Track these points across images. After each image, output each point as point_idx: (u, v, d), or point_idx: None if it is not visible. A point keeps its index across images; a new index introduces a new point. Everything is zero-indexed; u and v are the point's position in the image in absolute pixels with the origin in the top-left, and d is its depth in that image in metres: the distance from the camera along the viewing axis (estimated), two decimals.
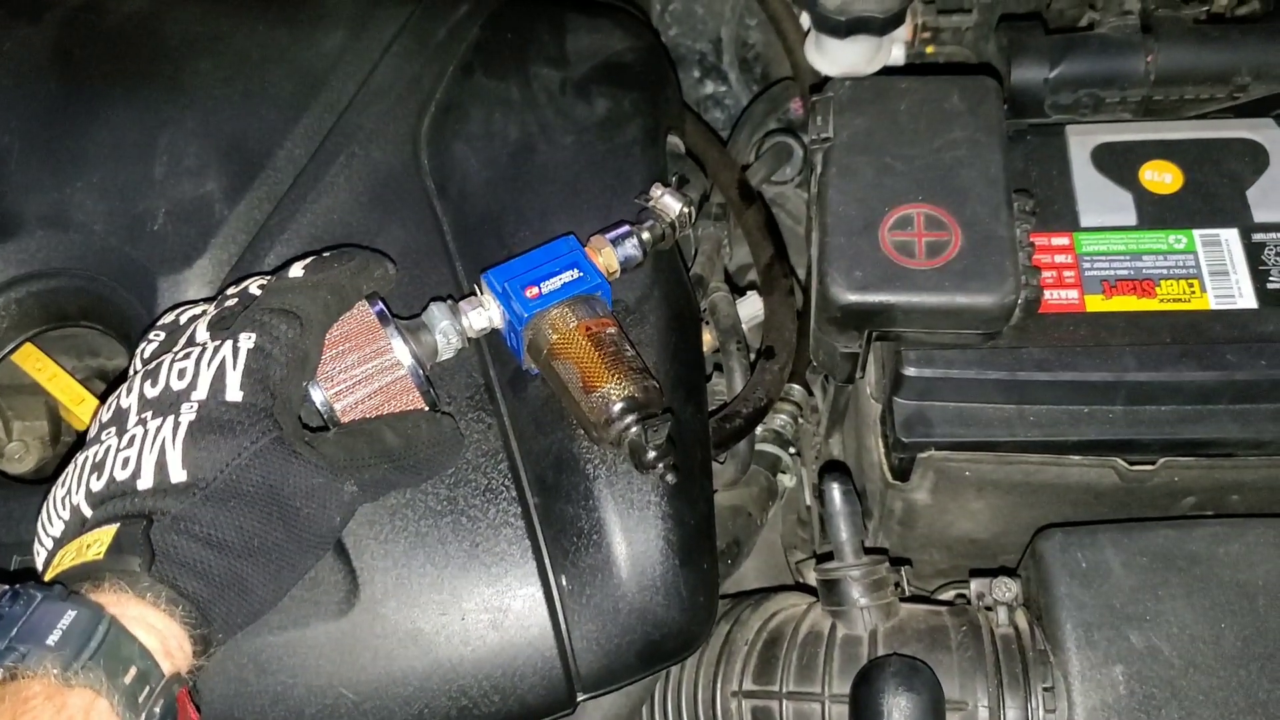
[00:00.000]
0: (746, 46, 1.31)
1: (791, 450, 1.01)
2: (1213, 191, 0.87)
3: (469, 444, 0.75)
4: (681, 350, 0.81)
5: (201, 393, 0.64)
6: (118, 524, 0.60)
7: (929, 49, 1.11)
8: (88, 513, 0.62)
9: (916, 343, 0.81)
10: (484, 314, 0.75)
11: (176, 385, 0.65)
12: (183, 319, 0.72)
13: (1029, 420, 0.82)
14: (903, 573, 0.85)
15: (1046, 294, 0.83)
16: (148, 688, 0.56)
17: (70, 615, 0.55)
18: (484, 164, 0.85)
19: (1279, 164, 0.87)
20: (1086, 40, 0.96)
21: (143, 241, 0.82)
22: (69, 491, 0.64)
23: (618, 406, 0.71)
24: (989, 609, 0.79)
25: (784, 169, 1.16)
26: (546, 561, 0.74)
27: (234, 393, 0.64)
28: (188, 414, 0.63)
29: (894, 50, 1.06)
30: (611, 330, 0.74)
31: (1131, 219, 0.86)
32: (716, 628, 0.85)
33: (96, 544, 0.60)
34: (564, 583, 0.74)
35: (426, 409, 0.72)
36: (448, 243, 0.82)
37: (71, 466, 0.65)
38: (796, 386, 1.02)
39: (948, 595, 0.88)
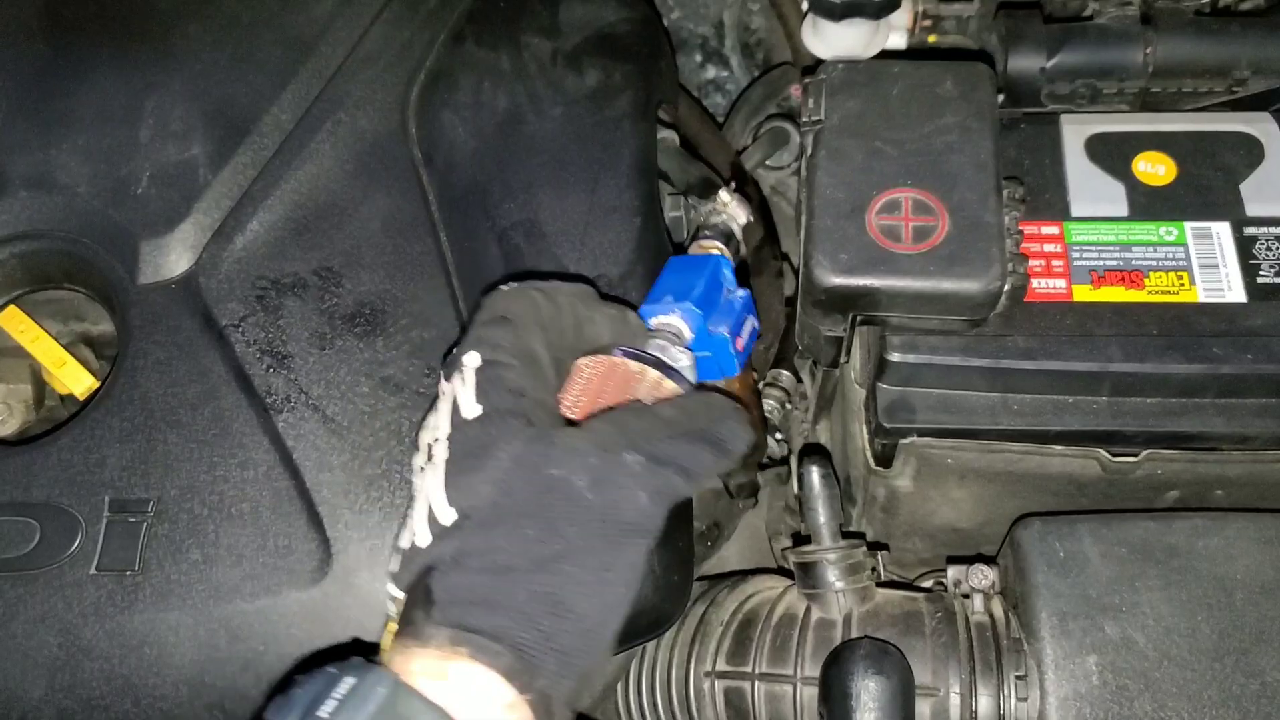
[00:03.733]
0: (748, 31, 1.30)
1: (779, 436, 1.01)
2: (1206, 184, 0.86)
3: None
4: None
5: (445, 428, 0.58)
6: (400, 594, 0.56)
7: (931, 38, 1.10)
8: (397, 594, 0.57)
9: (901, 328, 0.81)
10: (678, 343, 0.68)
11: (427, 439, 0.60)
12: None
13: (1012, 409, 0.81)
14: (879, 557, 0.85)
15: (1034, 282, 0.82)
16: None
17: (348, 683, 0.50)
18: (471, 134, 0.85)
19: (1274, 158, 0.86)
20: (1085, 30, 0.95)
21: (126, 205, 0.82)
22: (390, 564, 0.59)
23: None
24: (965, 596, 0.78)
25: (782, 154, 1.15)
26: None
27: (472, 409, 0.58)
28: (440, 455, 0.57)
29: (894, 38, 1.05)
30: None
31: (1123, 210, 0.85)
32: (693, 608, 0.85)
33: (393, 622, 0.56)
34: None
35: None
36: (432, 213, 0.81)
37: None
38: (785, 373, 1.01)
39: (928, 584, 0.88)
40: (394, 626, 0.56)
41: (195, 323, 0.78)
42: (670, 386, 0.64)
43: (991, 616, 0.77)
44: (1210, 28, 0.94)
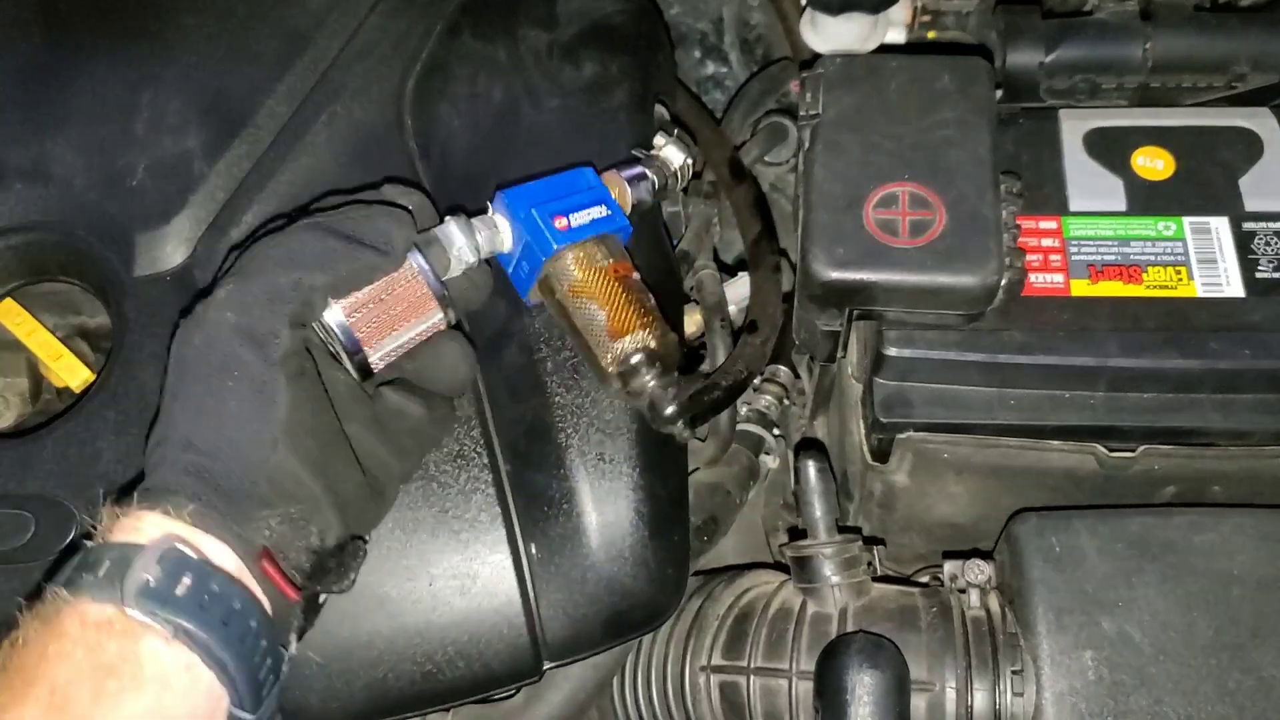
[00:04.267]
0: (748, 27, 1.30)
1: (776, 432, 1.00)
2: (1205, 179, 0.86)
3: None
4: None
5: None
6: None
7: (930, 33, 1.10)
8: None
9: (898, 322, 0.80)
10: (497, 235, 0.71)
11: None
12: None
13: (1009, 404, 0.81)
14: (875, 552, 0.85)
15: (1031, 277, 0.82)
16: (135, 564, 0.54)
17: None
18: (467, 126, 0.84)
19: (1273, 153, 0.86)
20: (1084, 25, 0.95)
21: (121, 197, 0.81)
22: None
23: (638, 357, 0.70)
24: (961, 591, 0.78)
25: (780, 150, 1.15)
26: (516, 529, 0.73)
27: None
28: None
29: (893, 34, 1.05)
30: (636, 276, 0.73)
31: (1121, 205, 0.85)
32: (689, 603, 0.85)
33: None
34: (533, 551, 0.73)
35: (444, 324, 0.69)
36: None
37: None
38: (783, 368, 1.01)
39: (925, 579, 0.88)
40: None
41: None
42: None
43: (988, 611, 0.76)
44: (1209, 23, 0.94)
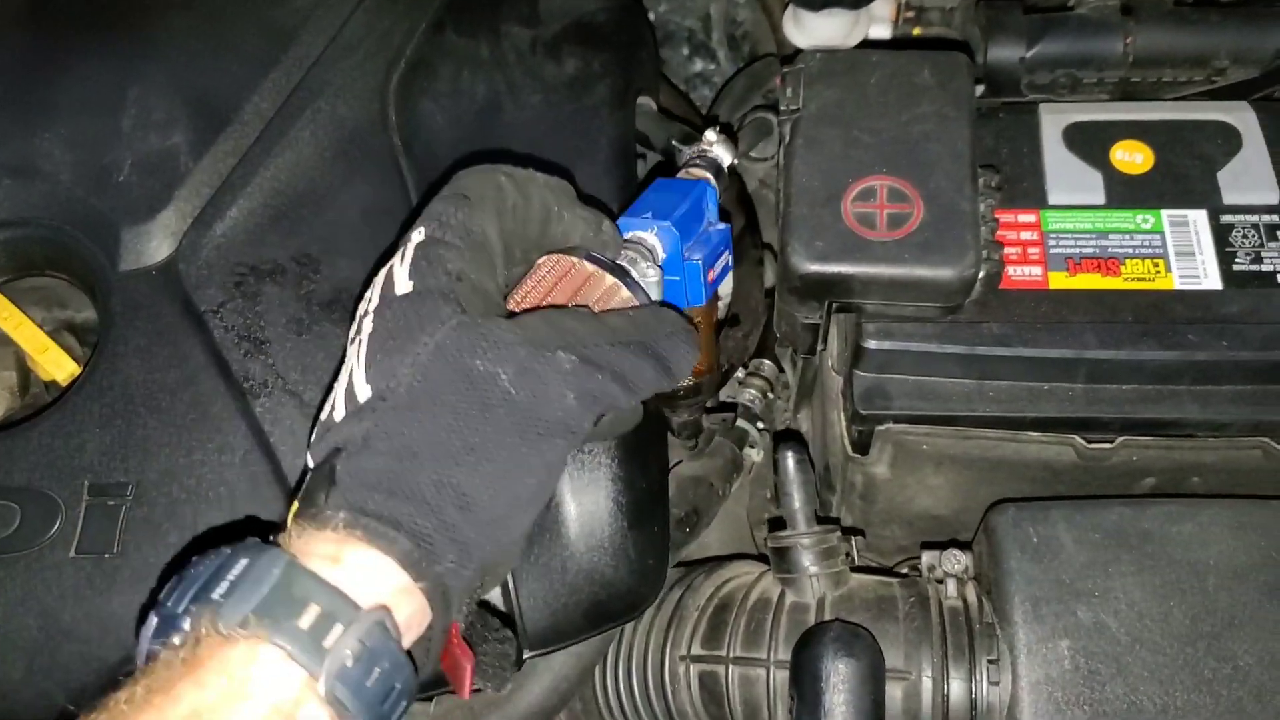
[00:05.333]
0: (735, 24, 1.31)
1: (761, 426, 1.01)
2: (1183, 173, 0.86)
3: None
4: None
5: (375, 301, 0.56)
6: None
7: (915, 30, 1.11)
8: (310, 463, 0.56)
9: (877, 315, 0.81)
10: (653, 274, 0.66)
11: (360, 310, 0.58)
12: None
13: (988, 395, 0.81)
14: (853, 542, 0.85)
15: (1010, 270, 0.82)
16: (337, 625, 0.48)
17: (241, 564, 0.49)
18: (450, 122, 0.85)
19: (1251, 146, 0.87)
20: (1064, 20, 0.96)
21: (107, 192, 0.82)
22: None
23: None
24: (939, 581, 0.79)
25: (765, 145, 1.15)
26: None
27: (403, 285, 0.55)
28: (366, 329, 0.56)
29: (878, 30, 1.05)
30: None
31: (1100, 198, 0.86)
32: (669, 593, 0.85)
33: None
34: None
35: None
36: (411, 200, 0.82)
37: None
38: (767, 362, 1.02)
39: (905, 570, 0.88)
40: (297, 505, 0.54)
41: (175, 309, 0.78)
42: (626, 296, 0.62)
43: (965, 601, 0.77)
44: (1190, 18, 0.95)
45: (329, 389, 0.58)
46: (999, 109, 0.91)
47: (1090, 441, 0.81)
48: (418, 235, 0.57)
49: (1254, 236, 0.82)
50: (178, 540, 0.73)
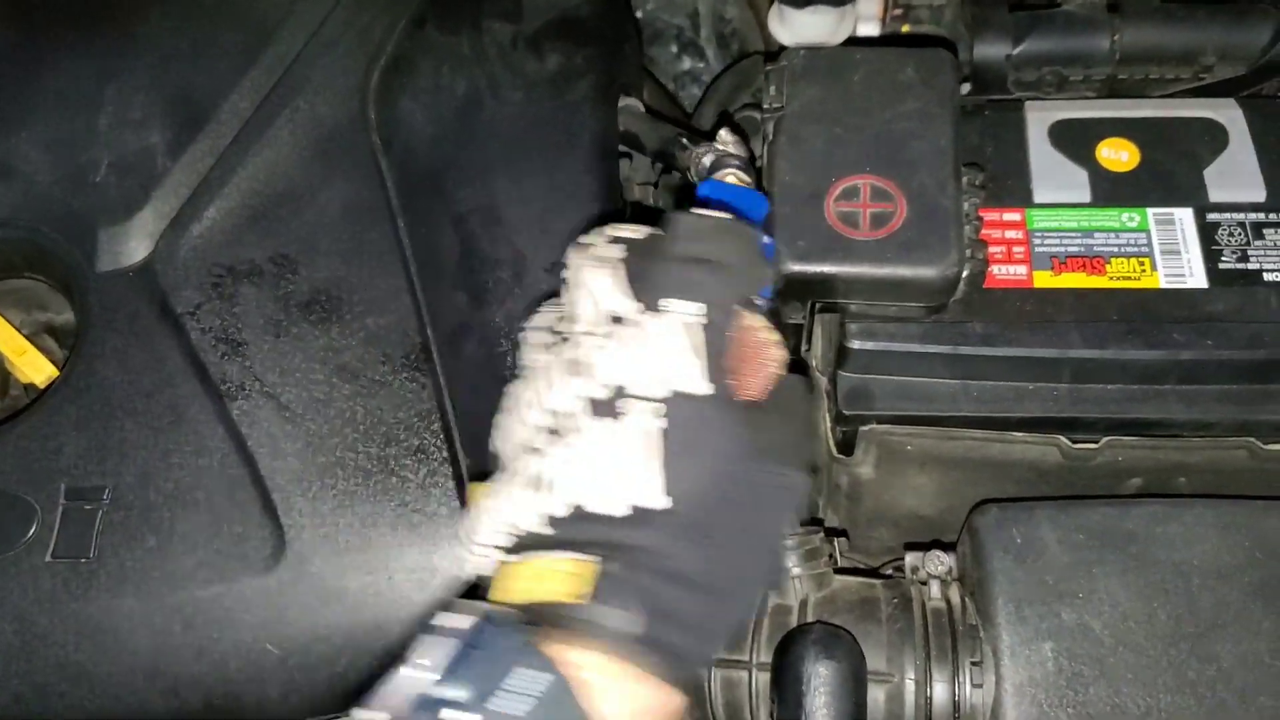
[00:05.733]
0: (724, 21, 1.30)
1: None
2: (1169, 170, 0.86)
3: (403, 403, 0.75)
4: None
5: (657, 386, 0.53)
6: (591, 559, 0.51)
7: (904, 27, 1.10)
8: (544, 531, 0.53)
9: (861, 315, 0.80)
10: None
11: (619, 378, 0.53)
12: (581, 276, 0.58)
13: (972, 395, 0.81)
14: (836, 544, 0.85)
15: (994, 269, 0.82)
16: None
17: (545, 682, 0.48)
18: (430, 120, 0.84)
19: (1238, 144, 0.86)
20: (1051, 17, 0.95)
21: (84, 193, 0.81)
22: (513, 505, 0.54)
23: None
24: (922, 583, 0.78)
25: (754, 145, 1.15)
26: None
27: (702, 386, 0.53)
28: (648, 416, 0.52)
29: (867, 28, 1.05)
30: None
31: (1086, 196, 0.85)
32: None
33: (561, 577, 0.51)
34: None
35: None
36: (391, 199, 0.81)
37: (503, 476, 0.56)
38: None
39: (890, 571, 0.88)
40: (537, 568, 0.53)
41: (152, 310, 0.78)
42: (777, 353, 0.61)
43: (948, 603, 0.76)
44: (1177, 14, 0.94)
45: (533, 434, 0.56)
46: (984, 106, 0.91)
47: (1075, 441, 0.81)
48: (694, 313, 0.54)
49: (1240, 235, 0.82)
50: (155, 544, 0.73)
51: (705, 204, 0.73)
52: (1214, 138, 0.87)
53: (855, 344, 0.80)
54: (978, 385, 0.81)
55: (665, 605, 0.51)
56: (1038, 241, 0.83)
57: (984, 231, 0.83)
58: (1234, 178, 0.85)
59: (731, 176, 0.78)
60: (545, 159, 0.83)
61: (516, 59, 0.88)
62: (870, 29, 1.05)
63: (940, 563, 0.77)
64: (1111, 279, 0.81)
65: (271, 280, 0.78)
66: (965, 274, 0.78)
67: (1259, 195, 0.84)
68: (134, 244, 0.80)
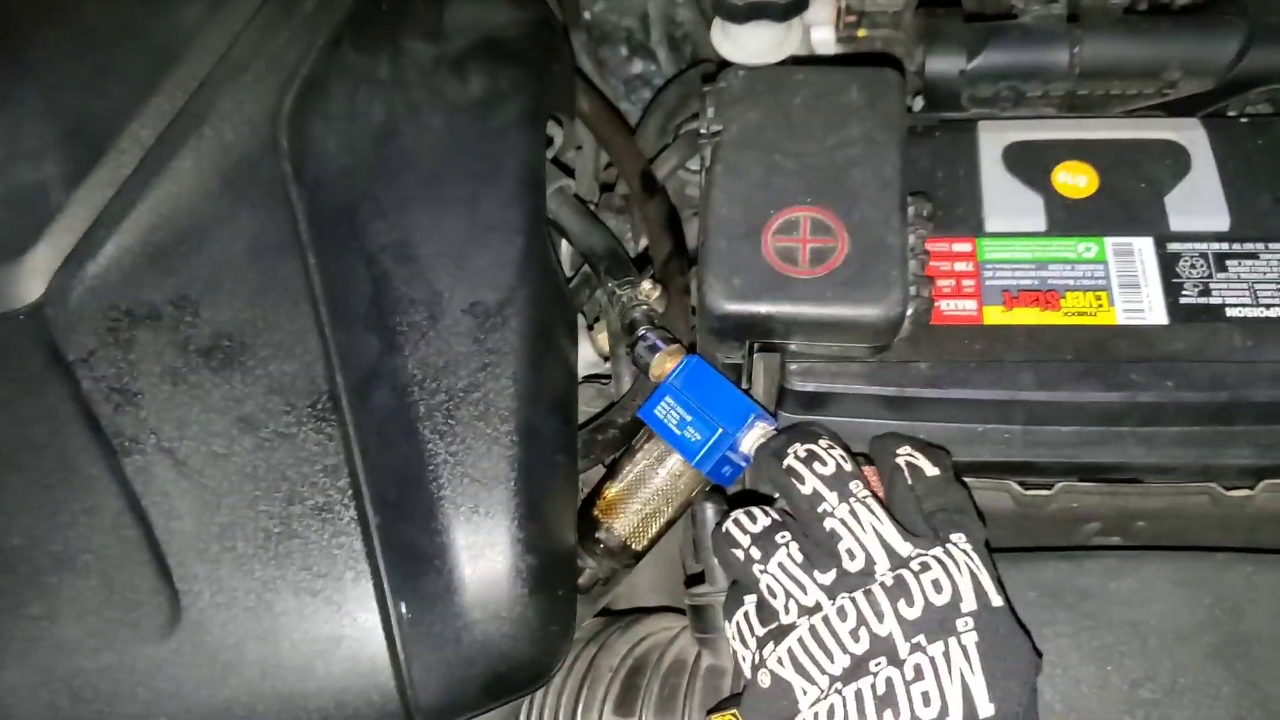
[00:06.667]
0: (675, 24, 1.25)
1: None
2: (1129, 197, 0.81)
3: (308, 457, 0.70)
4: (548, 358, 0.76)
5: (970, 603, 0.60)
6: None
7: (860, 33, 1.05)
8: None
9: (801, 355, 0.76)
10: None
11: (938, 599, 0.59)
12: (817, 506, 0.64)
13: (919, 438, 0.76)
14: None
15: (942, 304, 0.77)
16: None
17: None
18: (344, 148, 0.79)
19: (1201, 169, 0.82)
20: (1007, 29, 0.90)
21: None
22: None
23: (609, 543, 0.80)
24: None
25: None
26: (386, 587, 0.69)
27: (997, 598, 0.61)
28: (968, 633, 0.59)
29: (822, 33, 1.00)
30: None
31: (1041, 224, 0.81)
32: (583, 651, 0.80)
33: None
34: (404, 610, 0.68)
35: None
36: (301, 234, 0.76)
37: (837, 700, 0.59)
38: None
39: None
40: None
41: (42, 357, 0.73)
42: None
43: None
44: (1140, 27, 0.89)
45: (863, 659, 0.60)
46: (935, 126, 0.86)
47: (1028, 487, 0.77)
48: (971, 550, 0.63)
49: (1202, 266, 0.78)
50: (41, 611, 0.68)
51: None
52: (1176, 161, 0.82)
53: (796, 385, 0.76)
54: (925, 427, 0.77)
55: None
56: (989, 274, 0.79)
57: (933, 264, 0.78)
58: (1196, 204, 0.80)
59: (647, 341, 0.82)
60: (466, 189, 0.78)
61: (438, 82, 0.82)
62: (824, 34, 1.00)
63: None
64: (1066, 314, 0.77)
65: (170, 324, 0.73)
66: (910, 312, 0.73)
67: (1222, 223, 0.79)
68: (24, 284, 0.74)
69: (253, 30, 0.82)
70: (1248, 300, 0.76)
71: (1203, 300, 0.77)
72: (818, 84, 0.80)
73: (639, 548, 0.80)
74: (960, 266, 0.79)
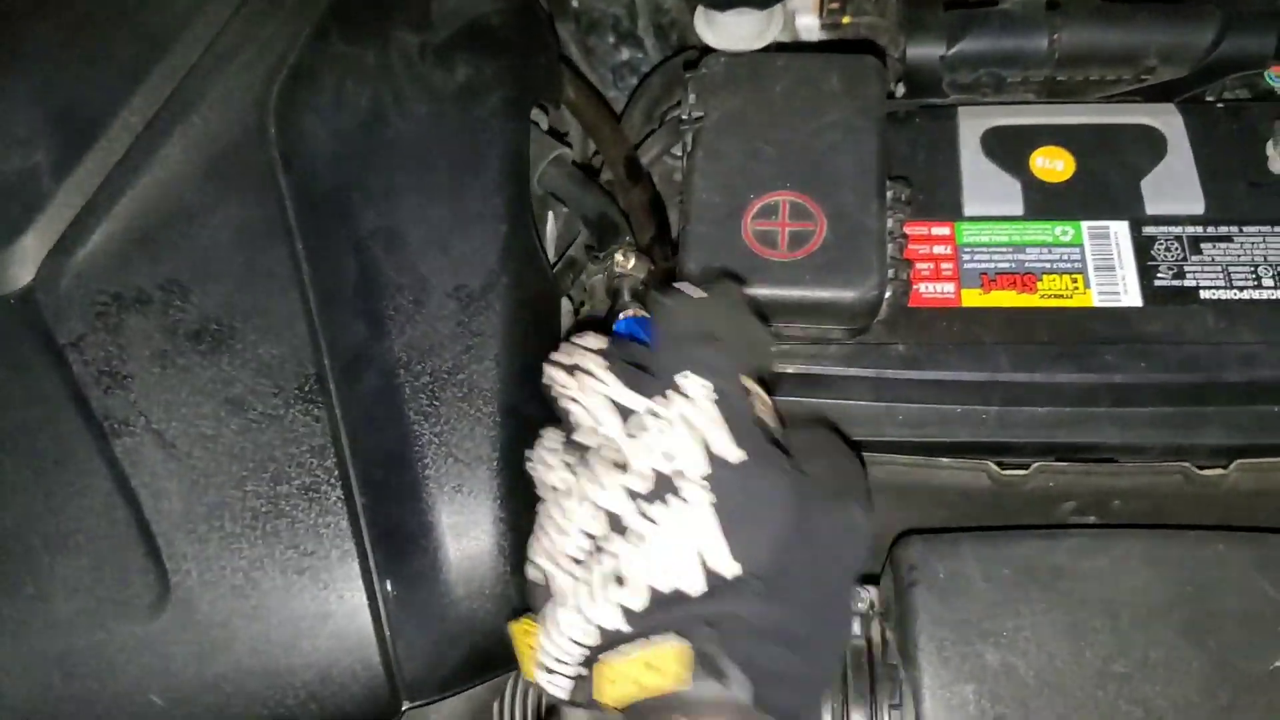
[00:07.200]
0: (661, 11, 1.25)
1: None
2: (1105, 181, 0.82)
3: (295, 438, 0.71)
4: (531, 340, 0.77)
5: (700, 466, 0.55)
6: (682, 640, 0.53)
7: (845, 19, 1.06)
8: (626, 629, 0.54)
9: (780, 337, 0.77)
10: None
11: (662, 465, 0.55)
12: (585, 400, 0.60)
13: (897, 419, 0.78)
14: None
15: (921, 287, 0.79)
16: None
17: None
18: (332, 135, 0.80)
19: (1177, 153, 0.83)
20: (987, 16, 0.91)
21: None
22: (582, 612, 0.54)
23: None
24: None
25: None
26: (371, 565, 0.70)
27: (734, 453, 0.55)
28: (699, 496, 0.54)
29: (806, 19, 1.01)
30: None
31: (1018, 208, 0.82)
32: None
33: (663, 663, 0.52)
34: (389, 588, 0.70)
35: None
36: (290, 220, 0.77)
37: (569, 586, 0.56)
38: None
39: None
40: (634, 663, 0.53)
41: (32, 341, 0.74)
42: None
43: (869, 641, 0.73)
44: (1118, 14, 0.91)
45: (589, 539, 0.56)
46: (915, 113, 0.87)
47: (1005, 467, 0.78)
48: (703, 390, 0.56)
49: (1177, 250, 0.79)
50: (34, 591, 0.69)
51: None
52: (1152, 146, 0.83)
53: (775, 366, 0.77)
54: (903, 409, 0.78)
55: (764, 666, 0.53)
56: (967, 257, 0.80)
57: (911, 247, 0.80)
58: (1172, 188, 0.82)
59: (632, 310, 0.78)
60: (451, 177, 0.79)
61: (424, 70, 0.83)
62: (808, 20, 1.01)
63: (861, 598, 0.74)
64: (1043, 297, 0.78)
65: (159, 308, 0.74)
66: (888, 295, 0.74)
67: (1197, 207, 0.80)
68: (15, 270, 0.75)
69: (241, 18, 0.83)
70: (1221, 283, 0.77)
71: (1177, 283, 0.78)
72: (798, 70, 0.81)
73: None
74: (939, 250, 0.80)
